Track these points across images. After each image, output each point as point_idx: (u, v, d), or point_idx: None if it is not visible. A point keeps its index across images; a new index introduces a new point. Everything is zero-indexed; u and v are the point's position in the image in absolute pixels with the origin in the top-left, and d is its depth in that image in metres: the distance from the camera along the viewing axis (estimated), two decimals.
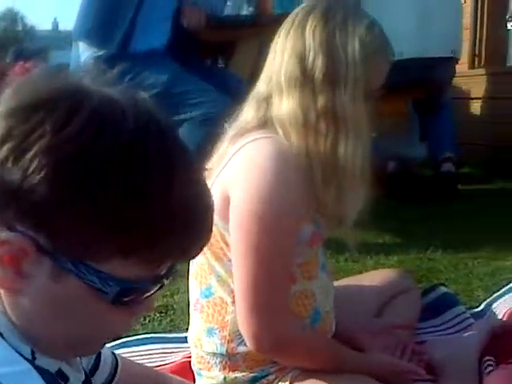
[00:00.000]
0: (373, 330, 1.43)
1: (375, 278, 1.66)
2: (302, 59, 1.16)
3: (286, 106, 1.16)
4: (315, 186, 1.15)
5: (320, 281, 1.28)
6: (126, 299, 0.65)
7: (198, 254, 0.69)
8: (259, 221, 1.11)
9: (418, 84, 3.12)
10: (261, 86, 1.22)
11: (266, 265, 1.12)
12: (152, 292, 0.67)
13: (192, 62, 2.60)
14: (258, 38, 2.47)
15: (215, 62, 3.38)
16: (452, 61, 3.19)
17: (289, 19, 1.21)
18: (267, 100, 1.19)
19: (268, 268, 1.12)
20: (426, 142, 3.30)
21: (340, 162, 1.14)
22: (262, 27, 2.50)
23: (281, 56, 1.18)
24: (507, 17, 4.14)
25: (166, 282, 0.68)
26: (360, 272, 2.00)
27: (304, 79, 1.15)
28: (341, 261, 2.19)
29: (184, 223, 0.63)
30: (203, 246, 0.68)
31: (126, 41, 2.35)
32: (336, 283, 1.63)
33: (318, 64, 1.14)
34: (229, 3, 3.31)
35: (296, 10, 1.22)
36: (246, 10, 3.32)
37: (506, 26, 4.15)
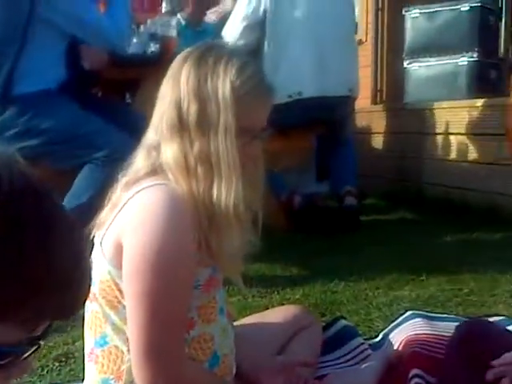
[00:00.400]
0: (274, 368, 1.45)
1: (278, 315, 1.69)
2: (178, 106, 1.16)
3: (169, 153, 1.17)
4: (203, 231, 1.16)
5: (219, 323, 1.28)
6: (1, 363, 0.64)
7: (77, 312, 0.69)
8: (151, 268, 1.11)
9: (319, 122, 3.25)
10: (149, 134, 1.23)
11: (157, 311, 1.12)
12: (29, 354, 0.66)
13: (93, 101, 2.55)
14: (162, 77, 2.48)
15: (122, 98, 3.36)
16: (349, 99, 3.34)
17: (172, 64, 1.21)
18: (156, 147, 1.20)
19: (159, 314, 1.12)
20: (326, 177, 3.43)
21: (214, 205, 1.15)
22: (165, 65, 2.51)
23: (163, 103, 1.20)
24: (403, 55, 4.37)
25: (43, 342, 0.67)
26: (267, 307, 2.03)
27: (181, 126, 1.16)
28: (248, 297, 2.21)
29: (61, 284, 0.63)
30: (81, 305, 0.69)
31: (9, 83, 2.21)
32: (240, 321, 1.64)
33: (191, 111, 1.15)
34: (135, 40, 3.32)
35: (178, 55, 1.22)
36: (152, 47, 3.34)
37: (403, 64, 4.38)
